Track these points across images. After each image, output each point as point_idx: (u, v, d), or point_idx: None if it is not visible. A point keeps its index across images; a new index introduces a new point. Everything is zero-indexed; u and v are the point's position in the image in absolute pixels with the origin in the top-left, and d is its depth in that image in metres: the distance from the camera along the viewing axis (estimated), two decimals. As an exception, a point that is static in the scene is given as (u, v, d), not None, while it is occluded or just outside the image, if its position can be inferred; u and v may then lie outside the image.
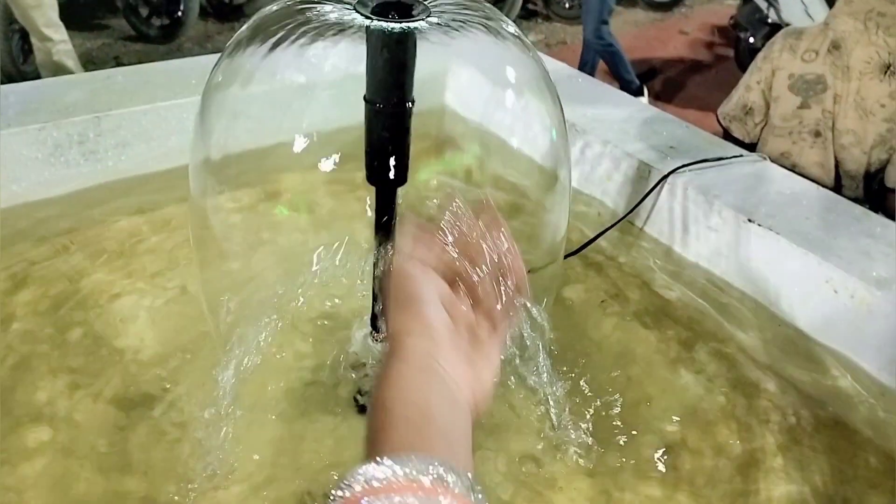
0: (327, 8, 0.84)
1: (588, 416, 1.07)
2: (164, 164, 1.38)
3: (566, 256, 1.38)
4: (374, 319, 1.04)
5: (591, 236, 1.41)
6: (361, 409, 1.07)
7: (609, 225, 1.42)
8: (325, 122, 0.93)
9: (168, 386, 1.08)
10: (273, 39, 0.85)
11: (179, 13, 4.56)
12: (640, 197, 1.43)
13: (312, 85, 0.99)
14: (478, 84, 1.70)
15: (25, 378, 1.07)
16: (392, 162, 0.90)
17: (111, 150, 1.34)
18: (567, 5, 5.94)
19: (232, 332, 1.05)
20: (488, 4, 0.92)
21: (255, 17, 0.89)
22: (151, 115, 1.35)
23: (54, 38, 3.22)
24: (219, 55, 0.90)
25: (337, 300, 1.18)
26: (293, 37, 0.85)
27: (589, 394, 1.11)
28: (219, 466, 0.95)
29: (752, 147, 1.93)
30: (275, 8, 0.87)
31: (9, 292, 1.19)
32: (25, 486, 0.93)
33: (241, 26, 0.87)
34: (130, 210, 1.35)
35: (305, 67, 0.94)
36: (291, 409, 1.06)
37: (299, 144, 0.96)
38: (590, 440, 1.04)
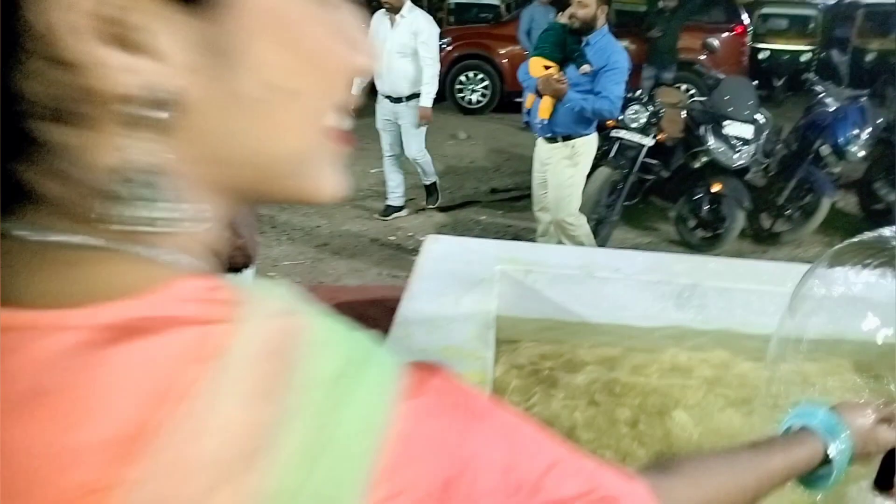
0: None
1: None
2: (746, 328, 1.88)
3: None
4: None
5: None
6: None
7: None
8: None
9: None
10: (850, 266, 1.34)
11: (723, 230, 5.19)
12: None
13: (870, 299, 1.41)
14: None
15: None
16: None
17: (700, 307, 1.92)
18: None
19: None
20: None
21: (835, 249, 1.36)
22: (744, 292, 1.91)
23: (565, 223, 4.29)
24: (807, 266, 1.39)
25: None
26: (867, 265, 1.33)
27: None
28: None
29: None
30: (850, 246, 1.34)
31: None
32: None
33: (774, 251, 1.30)
34: (718, 351, 1.90)
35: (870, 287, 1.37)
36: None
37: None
38: None
